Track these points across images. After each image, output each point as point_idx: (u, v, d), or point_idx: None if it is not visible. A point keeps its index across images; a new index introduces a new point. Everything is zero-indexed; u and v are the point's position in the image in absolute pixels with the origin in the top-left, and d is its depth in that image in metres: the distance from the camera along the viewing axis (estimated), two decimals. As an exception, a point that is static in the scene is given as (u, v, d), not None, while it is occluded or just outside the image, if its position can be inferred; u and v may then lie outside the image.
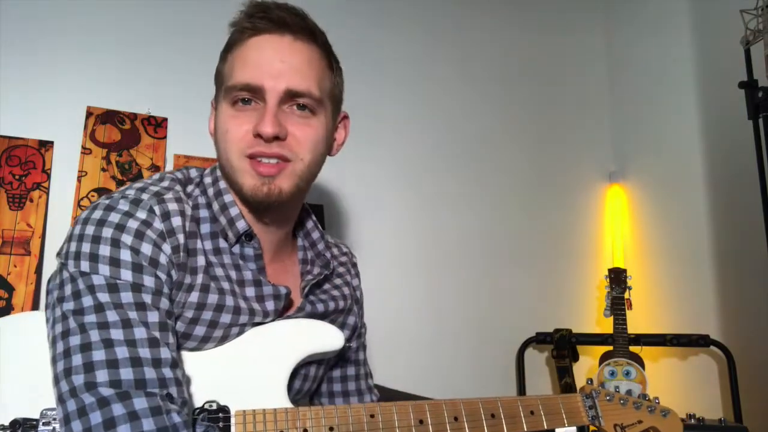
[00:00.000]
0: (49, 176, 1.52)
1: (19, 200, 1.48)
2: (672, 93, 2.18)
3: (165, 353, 0.70)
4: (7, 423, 0.70)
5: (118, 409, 0.63)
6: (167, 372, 0.69)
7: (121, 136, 1.61)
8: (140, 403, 0.65)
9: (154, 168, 1.63)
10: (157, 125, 1.66)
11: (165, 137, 1.67)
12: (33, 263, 1.45)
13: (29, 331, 0.75)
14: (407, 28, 2.11)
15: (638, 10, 2.37)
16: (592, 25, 2.51)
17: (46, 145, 1.53)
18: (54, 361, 0.68)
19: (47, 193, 1.51)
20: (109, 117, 1.61)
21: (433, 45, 2.15)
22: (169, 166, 1.66)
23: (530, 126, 2.30)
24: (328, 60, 0.87)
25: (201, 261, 0.80)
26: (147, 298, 0.71)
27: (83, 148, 1.57)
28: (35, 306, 1.43)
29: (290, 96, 0.80)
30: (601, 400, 0.95)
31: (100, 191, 1.55)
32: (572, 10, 2.48)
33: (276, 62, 0.79)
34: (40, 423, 0.70)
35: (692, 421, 1.51)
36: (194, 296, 0.78)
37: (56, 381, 0.67)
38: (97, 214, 0.73)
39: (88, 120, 1.58)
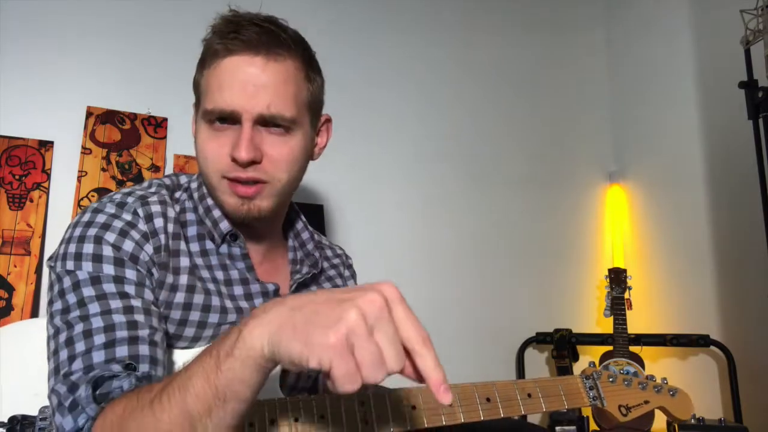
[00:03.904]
0: (49, 176, 1.52)
1: (19, 200, 1.48)
2: (672, 93, 2.17)
3: (144, 333, 0.71)
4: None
5: (83, 390, 0.64)
6: (143, 349, 0.70)
7: (121, 136, 1.61)
8: (87, 378, 0.65)
9: (154, 168, 1.63)
10: (157, 125, 1.66)
11: (165, 137, 1.67)
12: (33, 263, 1.45)
13: (30, 338, 0.78)
14: (407, 28, 2.11)
15: (638, 10, 2.37)
16: (592, 25, 2.51)
17: (46, 145, 1.53)
18: (47, 360, 0.71)
19: (47, 193, 1.51)
20: (109, 117, 1.61)
21: (434, 45, 2.15)
22: (169, 166, 1.66)
23: (530, 126, 2.29)
24: (304, 71, 0.84)
25: (185, 262, 0.82)
26: (129, 289, 0.74)
27: (83, 148, 1.57)
28: (35, 305, 1.43)
29: (264, 119, 0.80)
30: (603, 382, 0.91)
31: (100, 191, 1.55)
32: (572, 10, 2.48)
33: (249, 86, 0.78)
34: (38, 419, 0.71)
35: (692, 421, 1.52)
36: (180, 296, 0.80)
37: (47, 380, 0.70)
38: (85, 217, 0.77)
39: (88, 120, 1.58)
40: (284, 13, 0.87)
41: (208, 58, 0.82)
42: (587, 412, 1.83)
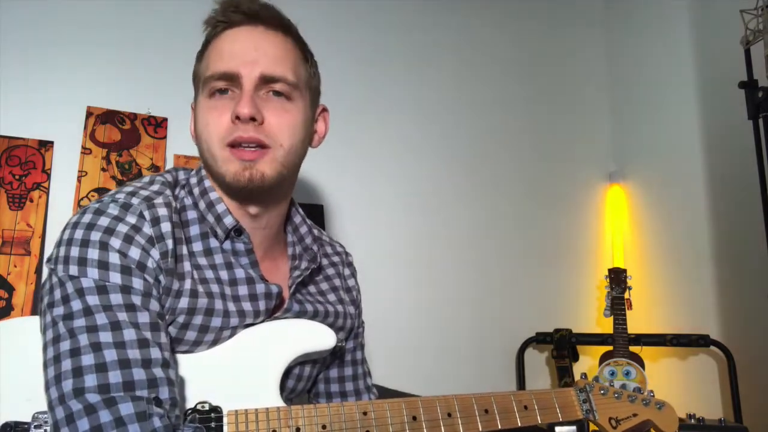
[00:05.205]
0: (49, 176, 1.52)
1: (19, 200, 1.48)
2: (672, 93, 2.18)
3: (155, 353, 0.70)
4: (-1, 426, 0.70)
5: (105, 415, 0.63)
6: (158, 372, 0.69)
7: (121, 136, 1.62)
8: (126, 408, 0.65)
9: (154, 168, 1.63)
10: (157, 125, 1.66)
11: (165, 137, 1.67)
12: (33, 263, 1.45)
13: (25, 336, 0.75)
14: (407, 29, 2.11)
15: (638, 10, 2.37)
16: (592, 25, 2.51)
17: (46, 145, 1.53)
18: (45, 366, 0.68)
19: (47, 193, 1.51)
20: (109, 117, 1.61)
21: (434, 46, 2.15)
22: (169, 166, 1.66)
23: (530, 126, 2.30)
24: (302, 51, 0.88)
25: (187, 266, 0.80)
26: (136, 300, 0.72)
27: (83, 148, 1.57)
28: (35, 305, 1.43)
29: (266, 81, 0.81)
30: (596, 394, 0.95)
31: (100, 191, 1.55)
32: (572, 10, 2.48)
33: (250, 50, 0.81)
34: (32, 426, 0.70)
35: (692, 421, 1.52)
36: (184, 302, 0.78)
37: (47, 387, 0.67)
38: (87, 218, 0.74)
39: (88, 120, 1.58)
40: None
41: (209, 37, 0.85)
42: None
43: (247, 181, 0.80)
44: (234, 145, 0.79)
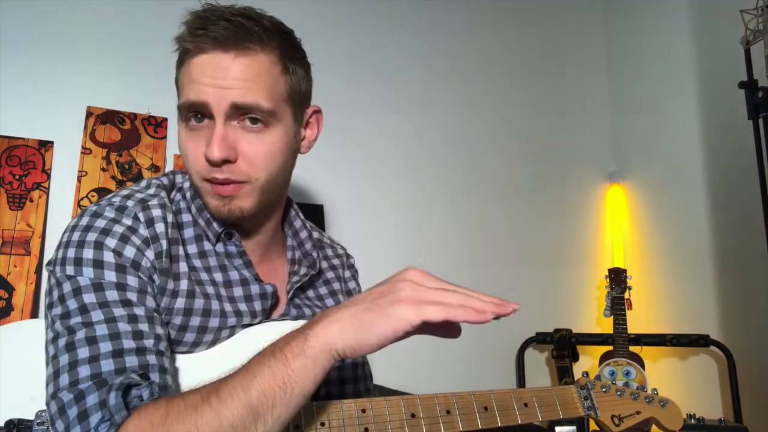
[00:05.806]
0: (49, 176, 1.52)
1: (19, 200, 1.48)
2: (672, 93, 2.18)
3: (149, 343, 0.70)
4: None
5: (92, 399, 0.64)
6: (151, 359, 0.69)
7: (121, 136, 1.61)
8: (114, 386, 0.65)
9: (154, 168, 1.63)
10: (157, 125, 1.66)
11: (165, 137, 1.67)
12: (33, 263, 1.45)
13: (29, 337, 0.76)
14: (404, 29, 2.11)
15: (638, 10, 2.37)
16: (591, 24, 2.52)
17: (46, 145, 1.53)
18: (45, 365, 0.70)
19: (47, 193, 1.51)
20: (109, 117, 1.61)
21: (432, 45, 2.15)
22: (169, 166, 1.66)
23: (530, 126, 2.30)
24: (281, 64, 0.81)
25: (183, 267, 0.81)
26: (132, 296, 0.73)
27: (83, 148, 1.57)
28: (35, 305, 1.43)
29: (238, 111, 0.77)
30: (597, 392, 0.94)
31: (100, 191, 1.55)
32: (572, 10, 2.48)
33: (219, 79, 0.77)
34: (35, 423, 0.70)
35: (692, 421, 1.52)
36: (180, 302, 0.78)
37: (46, 385, 0.68)
38: (84, 221, 0.75)
39: (88, 120, 1.58)
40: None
41: (181, 57, 0.83)
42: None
43: (227, 215, 0.80)
44: (210, 180, 0.80)
